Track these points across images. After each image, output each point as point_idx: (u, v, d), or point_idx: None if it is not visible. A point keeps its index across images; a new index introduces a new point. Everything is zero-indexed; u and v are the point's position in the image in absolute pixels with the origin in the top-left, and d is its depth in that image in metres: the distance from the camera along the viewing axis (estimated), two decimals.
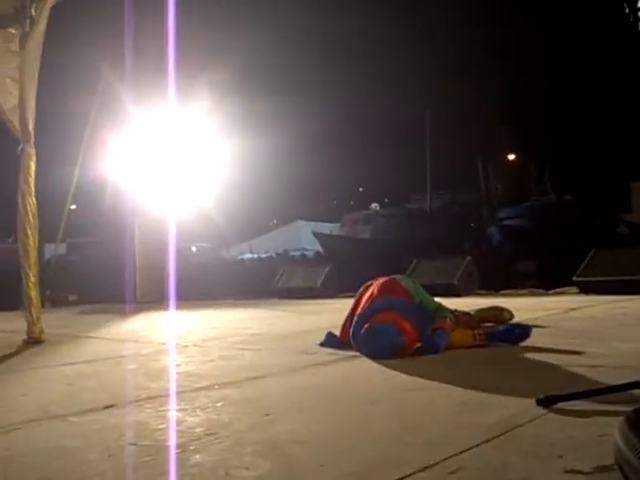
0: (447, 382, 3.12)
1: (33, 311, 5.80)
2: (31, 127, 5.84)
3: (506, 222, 33.09)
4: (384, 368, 3.62)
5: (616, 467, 1.70)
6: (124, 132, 12.58)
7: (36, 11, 5.77)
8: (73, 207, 15.14)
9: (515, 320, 5.19)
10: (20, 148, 5.85)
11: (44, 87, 6.07)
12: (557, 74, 41.89)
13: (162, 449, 2.26)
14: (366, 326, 4.05)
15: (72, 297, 13.67)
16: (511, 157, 44.44)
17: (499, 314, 5.28)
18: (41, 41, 5.82)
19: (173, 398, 3.12)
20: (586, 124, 41.19)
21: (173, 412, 2.82)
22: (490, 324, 5.03)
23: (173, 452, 2.20)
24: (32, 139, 5.86)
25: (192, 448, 2.23)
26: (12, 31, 5.97)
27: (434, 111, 36.15)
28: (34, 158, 5.86)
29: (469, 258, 10.75)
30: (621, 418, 1.73)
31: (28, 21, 5.81)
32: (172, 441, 2.35)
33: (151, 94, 12.25)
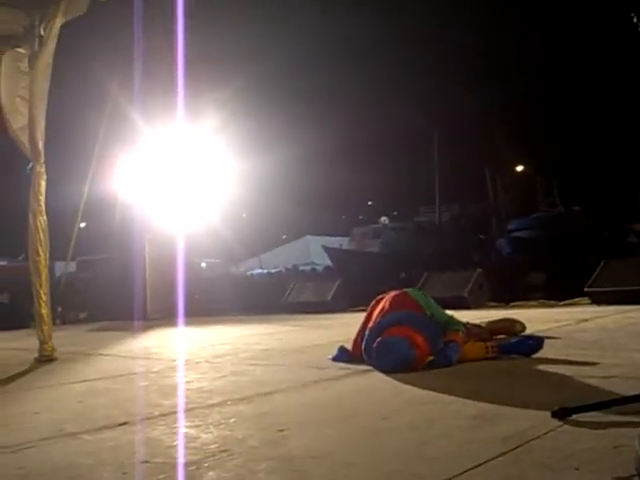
0: (461, 395, 3.11)
1: (45, 329, 5.80)
2: (41, 146, 5.86)
3: (515, 234, 33.08)
4: (397, 382, 3.60)
5: (636, 477, 1.69)
6: (134, 150, 12.64)
7: (45, 31, 5.80)
8: (83, 225, 15.18)
9: (527, 332, 5.18)
10: (30, 167, 5.88)
11: (54, 106, 6.11)
12: (565, 85, 41.91)
13: (176, 466, 2.25)
14: (378, 340, 4.04)
15: (83, 315, 13.67)
16: (519, 169, 44.41)
17: (511, 326, 5.27)
18: (50, 61, 5.85)
19: (186, 415, 3.11)
20: (594, 135, 41.15)
21: (186, 429, 2.81)
22: (502, 336, 5.02)
23: (187, 469, 2.20)
24: (42, 158, 5.88)
25: (206, 465, 2.23)
26: (21, 51, 6.01)
27: (442, 124, 36.18)
28: (44, 177, 5.88)
29: (479, 270, 10.71)
30: None
31: (37, 41, 5.85)
32: (186, 458, 2.34)
33: (160, 112, 12.32)
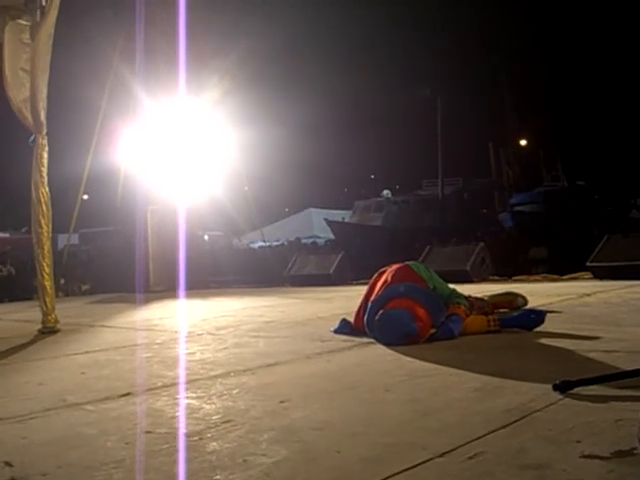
0: (462, 368, 3.12)
1: (47, 301, 5.82)
2: (43, 118, 5.84)
3: (518, 208, 33.03)
4: (399, 354, 3.62)
5: (637, 451, 1.70)
6: (136, 122, 12.58)
7: (46, 1, 5.76)
8: (85, 197, 15.17)
9: (529, 306, 5.18)
10: (32, 138, 5.86)
11: (55, 77, 6.07)
12: (571, 59, 41.61)
13: (178, 437, 2.27)
14: (380, 313, 4.05)
15: (85, 287, 13.73)
16: (523, 143, 44.20)
17: (513, 299, 5.28)
18: (52, 32, 5.81)
19: (188, 386, 3.13)
20: (598, 109, 40.94)
21: (189, 400, 2.82)
22: (504, 310, 5.03)
23: (190, 440, 2.21)
24: (44, 130, 5.87)
25: (209, 435, 2.24)
26: (23, 22, 5.97)
27: (445, 97, 35.96)
28: (46, 148, 5.87)
29: (481, 244, 10.70)
30: None
31: (39, 11, 5.81)
32: (188, 429, 2.36)
33: (162, 83, 12.25)
